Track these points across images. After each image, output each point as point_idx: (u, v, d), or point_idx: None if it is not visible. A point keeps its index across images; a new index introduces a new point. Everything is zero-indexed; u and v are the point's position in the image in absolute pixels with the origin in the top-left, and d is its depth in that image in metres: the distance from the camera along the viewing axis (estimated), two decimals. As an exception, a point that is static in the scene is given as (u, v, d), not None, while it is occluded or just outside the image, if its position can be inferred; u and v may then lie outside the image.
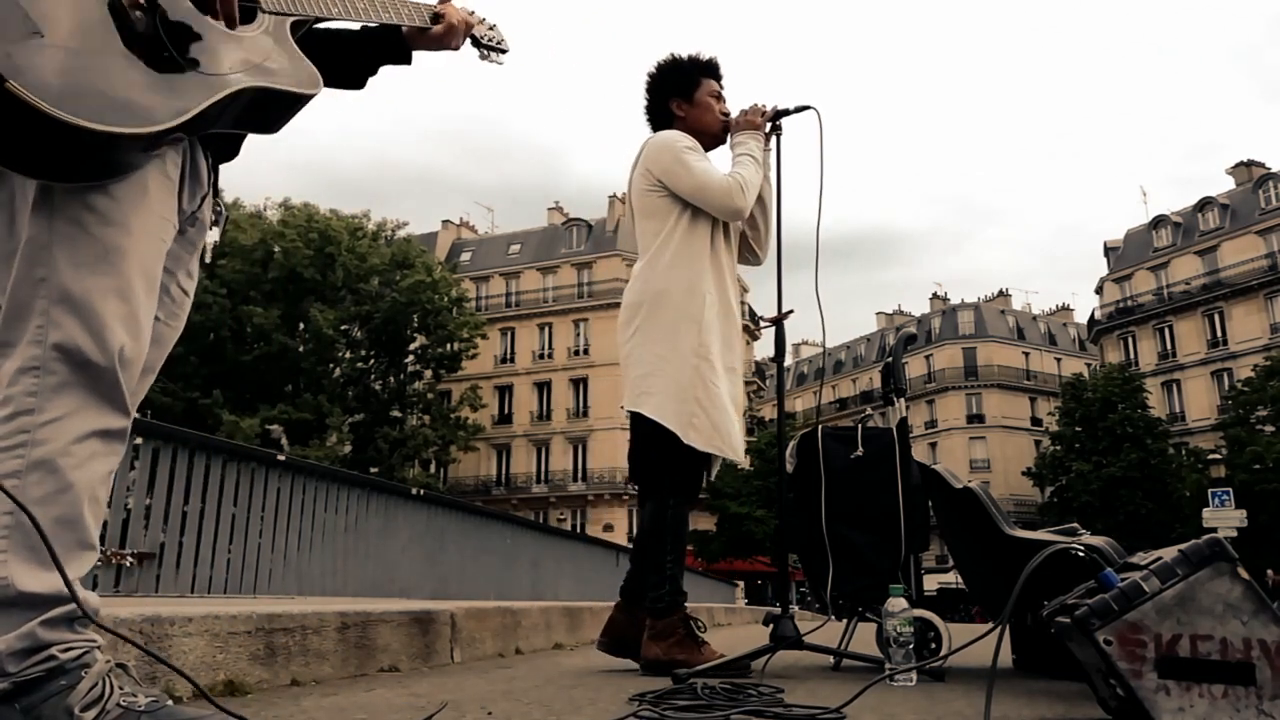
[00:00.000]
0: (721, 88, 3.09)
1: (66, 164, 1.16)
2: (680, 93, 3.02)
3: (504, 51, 1.71)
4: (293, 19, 1.39)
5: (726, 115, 3.04)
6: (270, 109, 1.34)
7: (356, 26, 1.56)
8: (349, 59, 1.60)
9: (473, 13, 1.66)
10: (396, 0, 1.53)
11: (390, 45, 1.62)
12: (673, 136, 2.93)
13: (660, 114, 3.05)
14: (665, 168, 2.88)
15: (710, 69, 3.06)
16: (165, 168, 1.28)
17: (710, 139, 3.03)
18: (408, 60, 1.63)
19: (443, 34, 1.60)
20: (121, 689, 1.21)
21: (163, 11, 1.21)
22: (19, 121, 1.08)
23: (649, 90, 3.07)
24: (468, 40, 1.67)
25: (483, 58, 1.68)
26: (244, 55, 1.29)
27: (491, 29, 1.71)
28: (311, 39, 1.45)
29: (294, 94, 1.33)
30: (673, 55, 3.06)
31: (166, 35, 1.21)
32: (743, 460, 2.75)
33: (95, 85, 1.13)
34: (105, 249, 1.21)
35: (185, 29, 1.23)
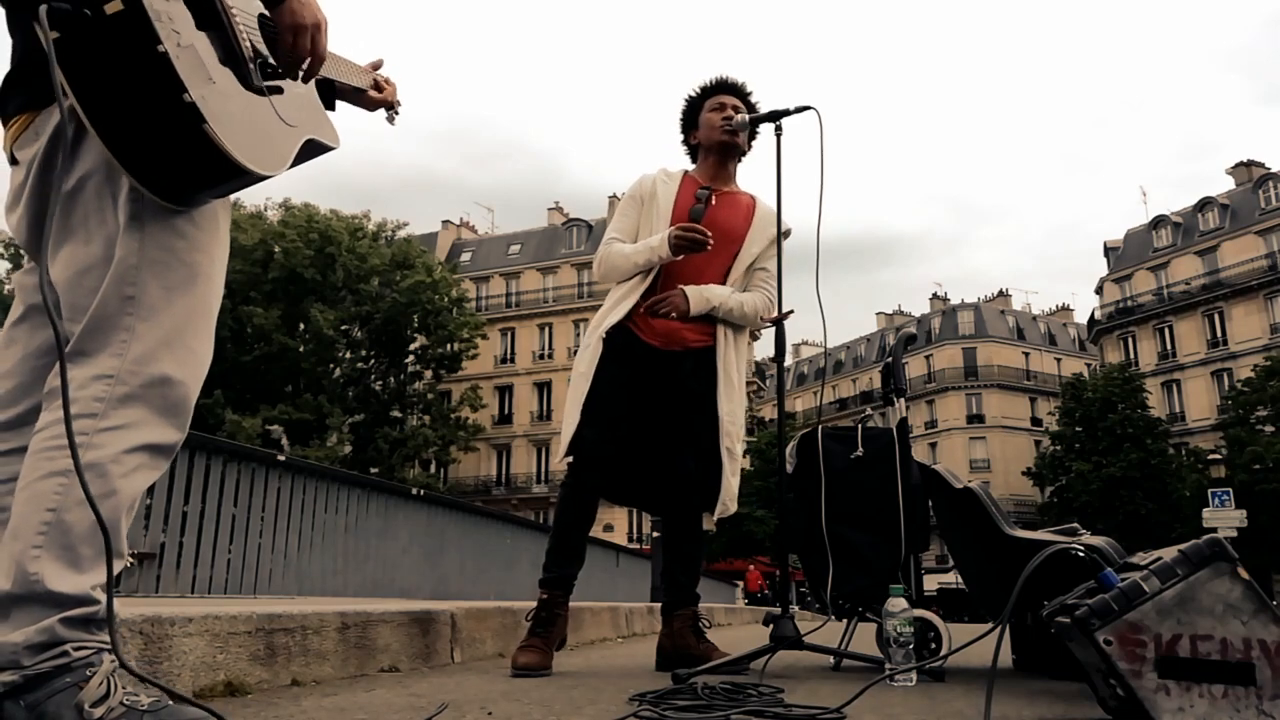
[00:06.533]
0: (738, 92, 3.22)
1: (196, 189, 1.26)
2: (690, 125, 3.30)
3: (399, 114, 1.99)
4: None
5: (727, 119, 3.12)
6: (305, 156, 1.45)
7: None
8: None
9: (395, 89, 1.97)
10: (363, 70, 1.82)
11: (324, 93, 1.85)
12: (629, 187, 3.24)
13: (690, 148, 3.35)
14: None
15: (710, 89, 3.26)
16: (226, 200, 1.40)
17: (720, 148, 3.18)
18: (332, 109, 1.84)
19: (376, 101, 1.85)
20: (125, 689, 1.23)
21: (265, 62, 1.32)
22: (194, 155, 1.18)
23: (681, 135, 3.36)
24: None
25: (388, 120, 1.96)
26: (305, 108, 1.42)
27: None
28: None
29: (328, 147, 1.47)
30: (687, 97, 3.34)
31: (269, 87, 1.32)
32: (561, 461, 3.01)
33: (244, 130, 1.23)
34: (193, 273, 1.30)
35: (278, 82, 1.35)
